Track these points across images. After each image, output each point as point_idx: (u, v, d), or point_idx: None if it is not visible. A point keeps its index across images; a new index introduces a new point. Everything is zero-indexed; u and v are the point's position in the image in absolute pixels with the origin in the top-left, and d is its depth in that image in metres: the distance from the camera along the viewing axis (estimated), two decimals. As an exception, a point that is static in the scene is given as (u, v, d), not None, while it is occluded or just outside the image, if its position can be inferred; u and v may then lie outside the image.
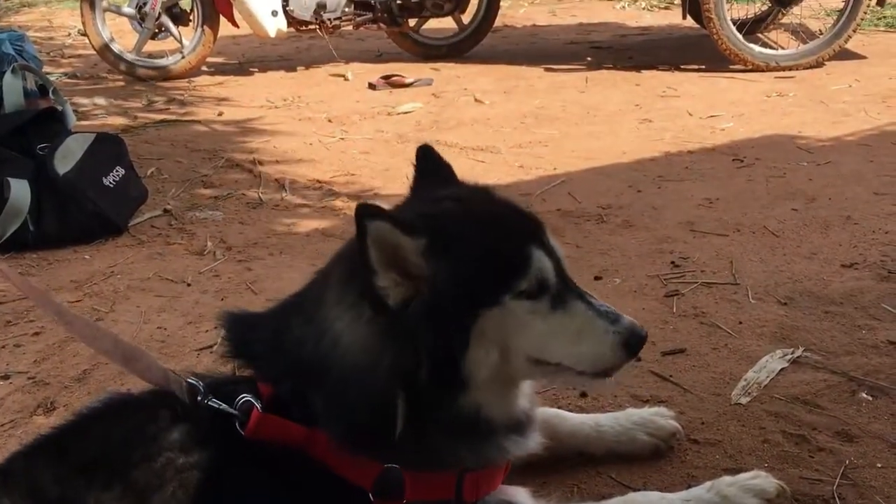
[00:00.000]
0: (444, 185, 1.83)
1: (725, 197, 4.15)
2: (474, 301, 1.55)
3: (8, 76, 4.14)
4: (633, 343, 1.63)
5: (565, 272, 1.67)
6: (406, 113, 6.23)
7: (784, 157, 4.71)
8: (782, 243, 3.54)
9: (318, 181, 4.75)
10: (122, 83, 7.72)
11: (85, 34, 7.96)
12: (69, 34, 11.00)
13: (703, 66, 7.17)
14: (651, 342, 2.77)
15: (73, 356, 2.87)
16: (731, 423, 2.32)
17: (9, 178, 3.71)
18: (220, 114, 6.44)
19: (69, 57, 9.43)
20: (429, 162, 1.89)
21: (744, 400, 2.43)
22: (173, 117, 6.34)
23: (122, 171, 4.13)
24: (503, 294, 1.56)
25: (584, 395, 2.49)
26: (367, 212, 1.47)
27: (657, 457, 2.19)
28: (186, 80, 7.78)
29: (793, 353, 2.65)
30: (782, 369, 2.56)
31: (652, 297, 3.11)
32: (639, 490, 2.06)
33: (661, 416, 2.22)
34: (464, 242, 1.58)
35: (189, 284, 3.43)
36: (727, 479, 1.95)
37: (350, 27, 8.13)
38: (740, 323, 2.88)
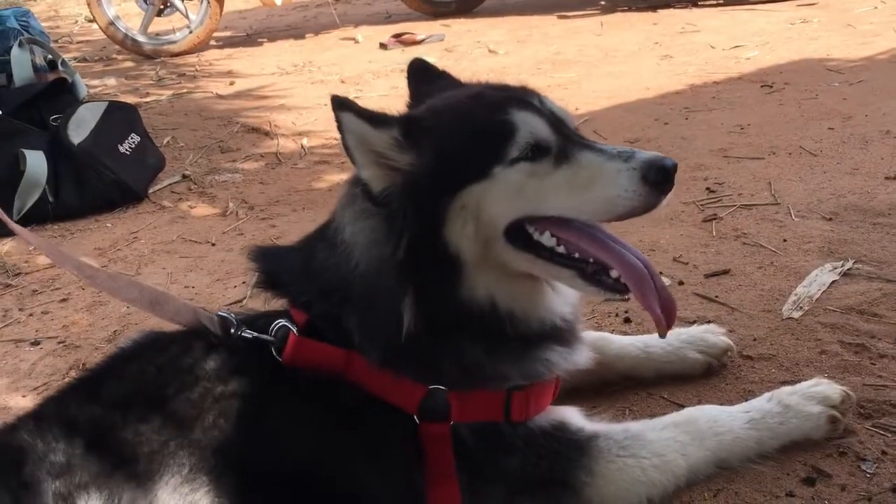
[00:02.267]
0: (443, 90, 1.74)
1: (757, 122, 4.01)
2: (456, 178, 1.50)
3: (15, 50, 4.08)
4: (653, 175, 1.44)
5: (569, 129, 1.57)
6: (420, 68, 6.09)
7: (815, 80, 4.54)
8: (821, 162, 3.40)
9: (335, 138, 4.64)
10: (130, 63, 7.66)
11: (92, 19, 7.90)
12: (76, 21, 10.96)
13: (722, 1, 6.97)
14: (693, 265, 2.67)
15: (101, 319, 2.82)
16: (785, 337, 2.21)
17: (24, 150, 3.65)
18: (232, 83, 6.36)
19: (77, 42, 9.39)
20: (423, 74, 1.82)
21: (796, 314, 2.32)
22: (184, 90, 6.26)
23: (137, 139, 4.06)
24: (492, 166, 1.49)
25: (627, 320, 2.39)
26: (338, 103, 1.46)
27: (709, 375, 2.09)
28: (195, 54, 7.70)
29: (843, 265, 2.53)
30: (833, 282, 2.44)
31: (689, 223, 3.00)
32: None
33: (711, 334, 2.12)
34: (439, 127, 1.53)
35: (214, 244, 3.37)
36: (787, 388, 1.85)
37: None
38: (784, 241, 2.76)
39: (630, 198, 1.46)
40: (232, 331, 1.62)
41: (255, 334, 1.59)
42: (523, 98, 1.57)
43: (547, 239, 1.53)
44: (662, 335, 1.54)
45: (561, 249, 1.53)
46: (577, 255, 1.53)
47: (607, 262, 1.52)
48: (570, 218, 1.53)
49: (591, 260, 1.53)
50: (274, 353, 1.56)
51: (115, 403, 1.53)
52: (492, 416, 1.59)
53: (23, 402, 2.37)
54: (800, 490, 1.68)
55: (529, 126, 1.50)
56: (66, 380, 2.48)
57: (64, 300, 2.99)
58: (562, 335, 1.66)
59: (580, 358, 1.71)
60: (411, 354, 1.52)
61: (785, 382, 1.99)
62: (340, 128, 1.48)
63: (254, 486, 1.47)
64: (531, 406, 1.63)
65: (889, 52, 4.89)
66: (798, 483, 1.70)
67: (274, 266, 1.72)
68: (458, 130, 1.54)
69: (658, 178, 1.44)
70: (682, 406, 1.98)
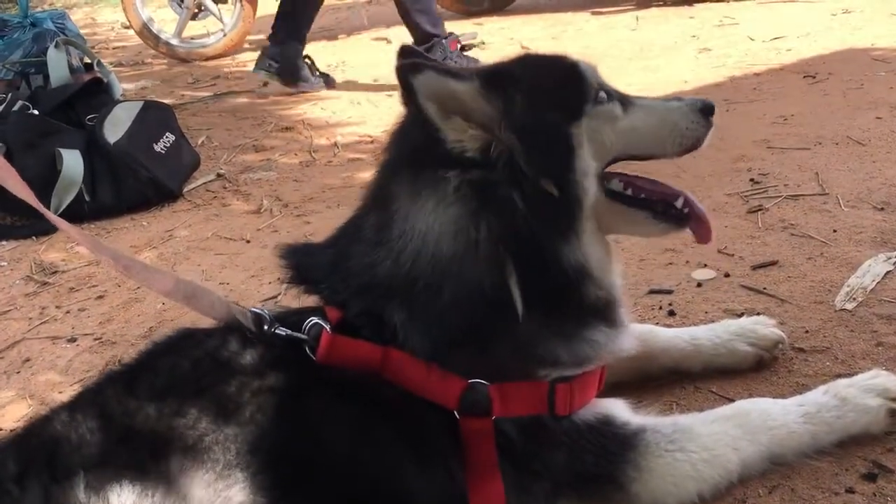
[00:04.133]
0: None
1: (801, 112, 3.90)
2: (560, 120, 1.53)
3: (52, 51, 4.10)
4: (705, 107, 1.68)
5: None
6: (453, 66, 6.04)
7: (860, 70, 4.41)
8: (870, 151, 3.29)
9: (370, 136, 4.63)
10: (165, 66, 7.72)
11: (128, 25, 7.98)
12: (112, 28, 11.10)
13: (761, -6, 6.84)
14: (739, 256, 2.59)
15: (137, 316, 2.81)
16: (839, 330, 2.12)
17: (60, 149, 3.66)
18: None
19: (113, 48, 9.50)
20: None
21: (849, 305, 2.22)
22: (219, 91, 6.28)
23: (172, 138, 4.06)
24: (584, 104, 1.56)
25: (672, 313, 2.32)
26: (410, 68, 1.41)
27: (760, 368, 2.00)
28: (229, 57, 7.74)
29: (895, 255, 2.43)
30: (888, 273, 2.35)
31: (734, 215, 2.91)
32: (744, 402, 1.90)
33: (762, 325, 2.03)
34: (523, 73, 1.55)
35: (248, 241, 3.34)
36: (844, 381, 1.77)
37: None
38: (834, 231, 2.66)
39: (695, 127, 1.67)
40: (265, 327, 1.58)
41: (289, 332, 1.55)
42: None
43: (616, 185, 1.67)
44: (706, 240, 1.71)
45: (629, 193, 1.67)
46: (643, 196, 1.68)
47: (671, 193, 1.69)
48: (645, 157, 1.69)
49: (657, 198, 1.68)
50: (308, 351, 1.52)
51: (149, 396, 1.48)
52: (535, 409, 1.54)
53: (59, 398, 2.36)
54: (860, 486, 1.60)
55: (590, 72, 1.62)
56: (102, 376, 2.47)
57: (100, 297, 2.99)
58: (611, 314, 1.62)
59: (626, 343, 1.65)
60: (464, 342, 1.47)
61: (840, 375, 1.91)
62: (415, 94, 1.41)
63: (291, 482, 1.41)
64: (575, 399, 1.57)
65: (937, 41, 4.74)
66: (858, 479, 1.61)
67: (305, 263, 1.68)
68: (545, 74, 1.60)
69: (708, 109, 1.69)
70: (731, 400, 1.89)
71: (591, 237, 1.57)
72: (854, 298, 2.25)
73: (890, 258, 2.42)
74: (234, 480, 1.39)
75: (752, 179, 3.19)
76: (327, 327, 1.53)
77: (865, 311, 2.18)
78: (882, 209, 2.77)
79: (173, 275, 1.84)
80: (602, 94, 1.60)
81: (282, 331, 1.56)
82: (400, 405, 1.50)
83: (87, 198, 3.70)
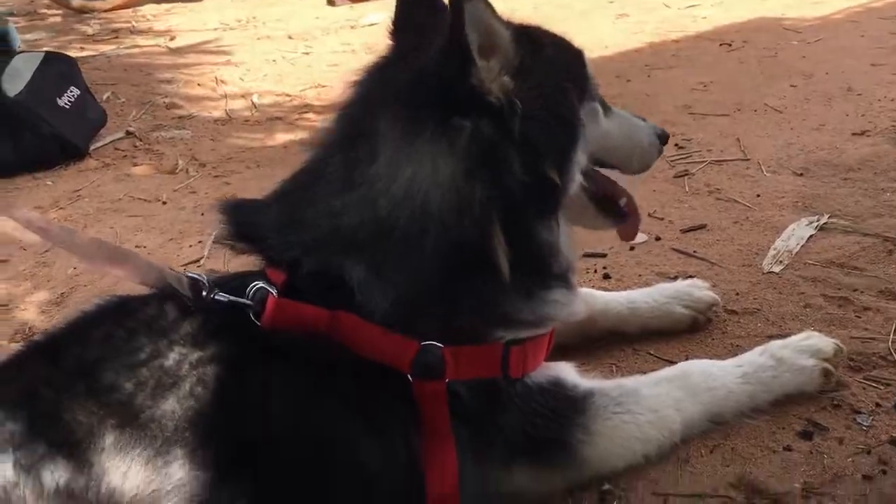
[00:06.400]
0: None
1: (719, 80, 3.97)
2: (575, 104, 1.52)
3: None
4: (663, 133, 1.76)
5: None
6: (372, 25, 5.89)
7: (773, 39, 4.53)
8: (787, 118, 3.38)
9: (288, 94, 4.49)
10: (60, 17, 7.27)
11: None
12: (-1, -26, 10.37)
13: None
14: (668, 220, 2.63)
15: (46, 281, 2.64)
16: (768, 292, 2.17)
17: (-47, 104, 3.39)
18: (172, 38, 6.09)
19: (2, -4, 8.88)
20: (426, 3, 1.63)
21: (776, 268, 2.28)
22: (122, 45, 5.96)
23: (77, 92, 3.82)
24: (586, 95, 1.56)
25: (607, 276, 2.33)
26: None
27: (695, 330, 2.03)
28: (130, 9, 7.34)
29: (818, 219, 2.50)
30: (811, 236, 2.42)
31: (661, 179, 2.94)
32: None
33: (696, 288, 2.07)
34: (542, 42, 1.52)
35: (164, 203, 3.19)
36: (778, 342, 1.81)
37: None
38: (758, 196, 2.73)
39: (652, 150, 1.75)
40: (204, 293, 1.48)
41: (231, 297, 1.45)
42: None
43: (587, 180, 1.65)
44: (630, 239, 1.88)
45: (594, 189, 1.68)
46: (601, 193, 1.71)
47: (619, 192, 1.75)
48: (608, 166, 1.72)
49: (608, 196, 1.72)
50: (252, 317, 1.43)
51: (79, 370, 1.38)
52: (489, 371, 1.49)
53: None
54: (797, 444, 1.64)
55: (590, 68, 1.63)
56: (12, 345, 2.31)
57: (3, 261, 2.79)
58: (569, 278, 1.61)
59: (578, 307, 1.63)
60: (429, 301, 1.42)
61: (772, 336, 1.96)
62: (461, 19, 1.31)
63: (236, 456, 1.33)
64: (528, 362, 1.55)
65: (844, 12, 4.90)
66: (795, 437, 1.66)
67: (248, 220, 1.56)
68: (562, 51, 1.57)
69: (664, 138, 1.77)
70: (670, 362, 1.93)
71: (563, 221, 1.57)
72: (780, 261, 2.31)
73: (812, 222, 2.50)
74: (174, 457, 1.31)
75: (676, 144, 3.23)
76: (273, 291, 1.44)
77: (792, 274, 2.24)
78: (801, 175, 2.85)
79: (96, 238, 1.71)
80: (597, 92, 1.62)
81: (222, 296, 1.47)
82: (350, 371, 1.42)
83: (-17, 155, 3.45)
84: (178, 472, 1.30)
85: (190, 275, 1.51)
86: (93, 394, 1.34)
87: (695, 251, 2.42)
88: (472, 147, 1.40)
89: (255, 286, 1.45)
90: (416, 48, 1.56)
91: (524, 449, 1.54)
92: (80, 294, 2.53)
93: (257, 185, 3.23)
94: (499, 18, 1.42)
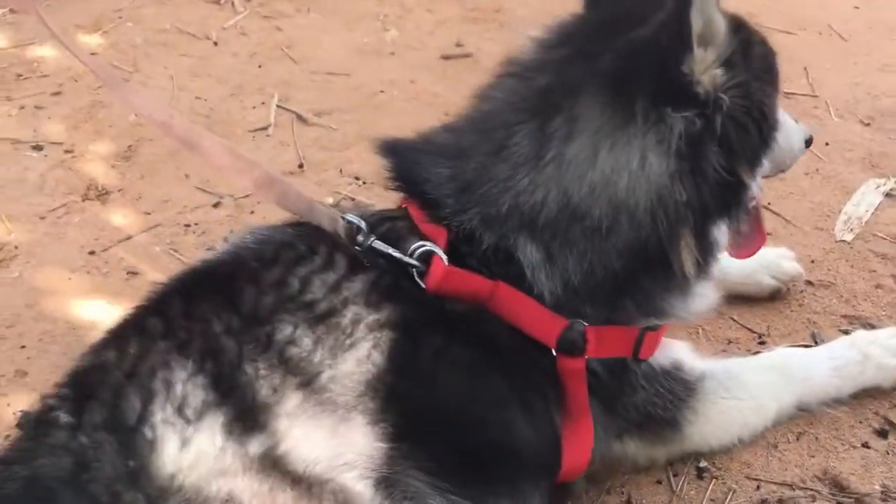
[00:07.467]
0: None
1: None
2: (775, 97, 1.53)
3: None
4: (809, 140, 1.74)
5: None
6: None
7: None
8: (853, 50, 3.35)
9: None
10: None
11: None
12: None
13: None
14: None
15: (108, 126, 2.52)
16: (840, 263, 2.27)
17: None
18: None
19: None
20: None
21: (848, 237, 2.37)
22: None
23: None
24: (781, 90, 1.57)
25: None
26: None
27: (775, 299, 2.14)
28: None
29: (885, 183, 2.57)
30: (880, 203, 2.49)
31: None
32: (762, 334, 2.06)
33: (785, 259, 2.15)
34: (753, 37, 1.51)
35: (216, 43, 3.01)
36: (866, 336, 1.92)
37: None
38: (827, 144, 2.76)
39: (799, 156, 1.74)
40: (360, 238, 1.47)
41: (396, 254, 1.45)
42: None
43: None
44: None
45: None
46: None
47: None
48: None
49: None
50: (417, 278, 1.44)
51: (256, 318, 1.37)
52: (624, 351, 1.57)
53: (41, 225, 2.15)
54: (874, 442, 1.80)
55: None
56: (86, 202, 2.23)
57: (57, 93, 2.63)
58: (713, 273, 1.65)
59: (716, 298, 1.71)
60: (597, 292, 1.46)
61: (846, 316, 2.11)
62: (689, 4, 1.28)
63: (407, 429, 1.37)
64: (655, 344, 1.63)
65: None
66: (872, 434, 1.82)
67: (418, 172, 1.53)
68: (765, 48, 1.54)
69: (810, 142, 1.75)
70: (752, 331, 2.05)
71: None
72: (851, 230, 2.40)
73: (879, 186, 2.57)
74: (356, 424, 1.33)
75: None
76: (440, 254, 1.45)
77: (862, 246, 2.34)
78: (868, 124, 2.88)
79: (233, 149, 1.64)
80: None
81: (383, 247, 1.46)
82: (508, 347, 1.47)
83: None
84: (361, 441, 1.33)
85: (347, 217, 1.49)
86: (273, 347, 1.34)
87: (769, 203, 2.46)
88: (682, 145, 1.39)
89: (420, 246, 1.45)
90: (614, 22, 1.49)
91: (639, 423, 1.66)
92: (147, 149, 2.44)
93: (312, 37, 3.09)
94: (719, 6, 1.37)
